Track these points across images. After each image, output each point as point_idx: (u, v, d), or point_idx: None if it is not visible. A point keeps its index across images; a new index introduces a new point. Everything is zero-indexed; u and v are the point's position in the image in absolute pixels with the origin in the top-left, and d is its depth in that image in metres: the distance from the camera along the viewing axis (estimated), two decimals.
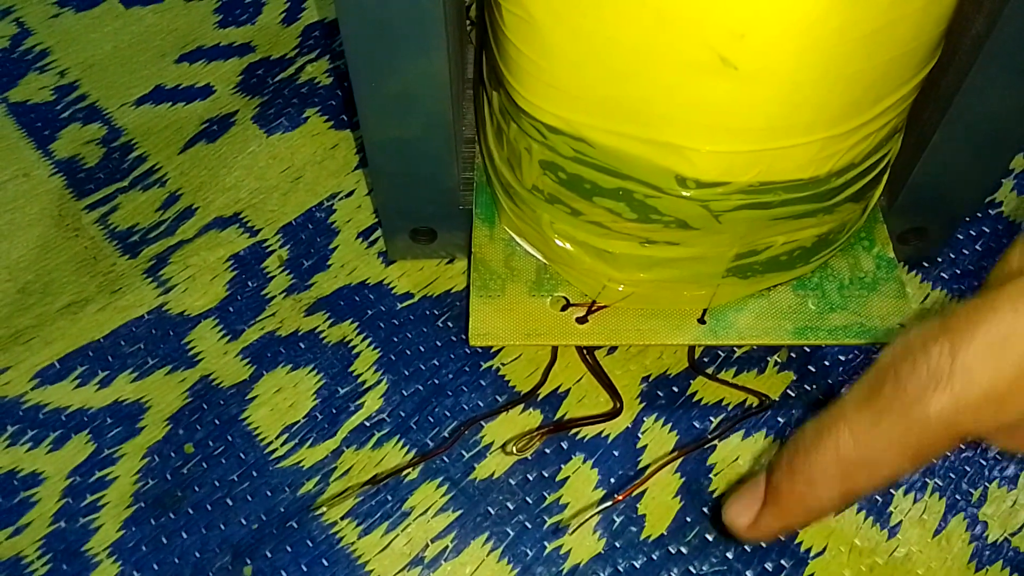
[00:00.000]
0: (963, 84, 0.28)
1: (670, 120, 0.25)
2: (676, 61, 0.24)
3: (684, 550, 0.31)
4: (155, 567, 0.31)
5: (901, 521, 0.31)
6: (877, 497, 0.32)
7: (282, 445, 0.33)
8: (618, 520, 0.31)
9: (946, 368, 0.18)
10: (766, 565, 0.30)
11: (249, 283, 0.38)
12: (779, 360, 0.35)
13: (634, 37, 0.23)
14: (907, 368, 0.19)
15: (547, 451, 0.33)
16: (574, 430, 0.33)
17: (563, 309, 0.33)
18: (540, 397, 0.34)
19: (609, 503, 0.31)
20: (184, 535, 0.31)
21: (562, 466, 0.32)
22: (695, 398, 0.34)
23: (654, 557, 0.31)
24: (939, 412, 0.18)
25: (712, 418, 0.33)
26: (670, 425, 0.33)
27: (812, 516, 0.23)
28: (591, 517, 0.31)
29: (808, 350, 0.35)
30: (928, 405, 0.18)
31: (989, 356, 0.18)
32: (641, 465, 0.32)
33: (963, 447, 0.33)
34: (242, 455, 0.33)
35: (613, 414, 0.33)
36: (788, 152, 0.26)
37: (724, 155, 0.25)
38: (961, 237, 0.38)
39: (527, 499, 0.32)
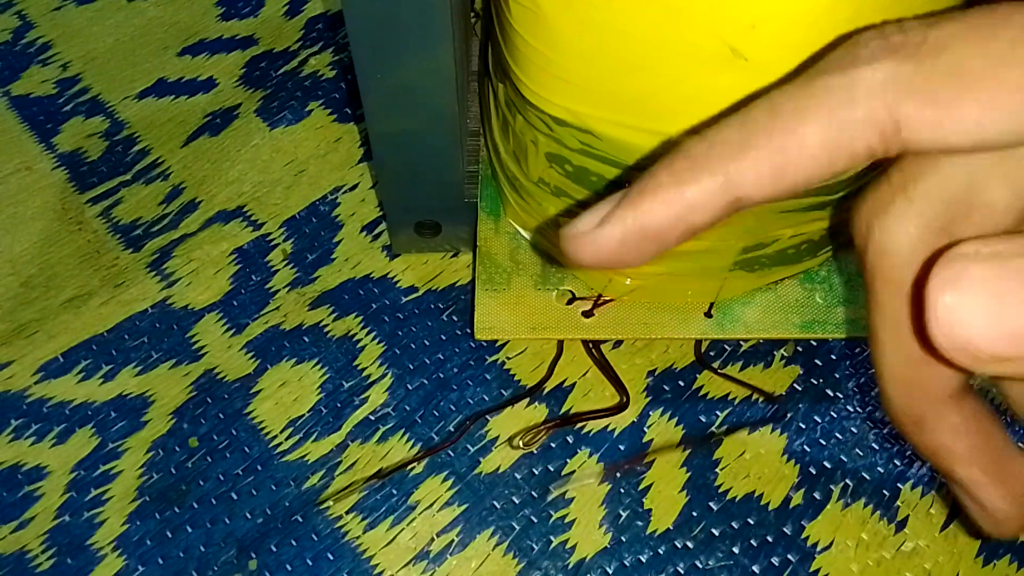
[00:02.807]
0: None
1: (678, 112, 0.25)
2: (685, 52, 0.23)
3: (690, 544, 0.31)
4: (160, 561, 0.31)
5: (908, 515, 0.31)
6: (884, 492, 0.31)
7: (287, 439, 0.33)
8: (624, 514, 0.31)
9: (919, 36, 0.14)
10: (772, 560, 0.30)
11: (253, 277, 0.37)
12: (786, 354, 0.35)
13: (643, 28, 0.23)
14: (872, 33, 0.15)
15: (553, 445, 0.33)
16: (580, 424, 0.33)
17: (569, 303, 0.33)
18: (546, 391, 0.34)
19: (595, 479, 0.31)
20: (189, 529, 0.31)
21: (568, 460, 0.32)
22: (701, 392, 0.34)
23: (660, 551, 0.30)
24: (887, 80, 0.14)
25: (718, 412, 0.33)
26: (676, 419, 0.33)
27: (673, 208, 0.17)
28: (587, 484, 0.31)
29: (815, 344, 0.35)
30: (877, 70, 0.15)
31: (966, 40, 0.14)
32: (647, 459, 0.32)
33: None
34: (247, 449, 0.33)
35: (619, 408, 0.33)
36: None
37: None
38: None
39: (533, 493, 0.32)
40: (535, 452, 0.32)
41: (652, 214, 0.17)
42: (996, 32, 0.14)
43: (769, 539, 0.31)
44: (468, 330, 0.35)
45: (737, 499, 0.31)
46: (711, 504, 0.31)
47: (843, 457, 0.32)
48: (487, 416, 0.33)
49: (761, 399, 0.33)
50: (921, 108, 0.14)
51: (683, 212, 0.17)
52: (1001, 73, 0.14)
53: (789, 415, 0.33)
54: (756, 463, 0.32)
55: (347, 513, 0.31)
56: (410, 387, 0.34)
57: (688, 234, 0.17)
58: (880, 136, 0.14)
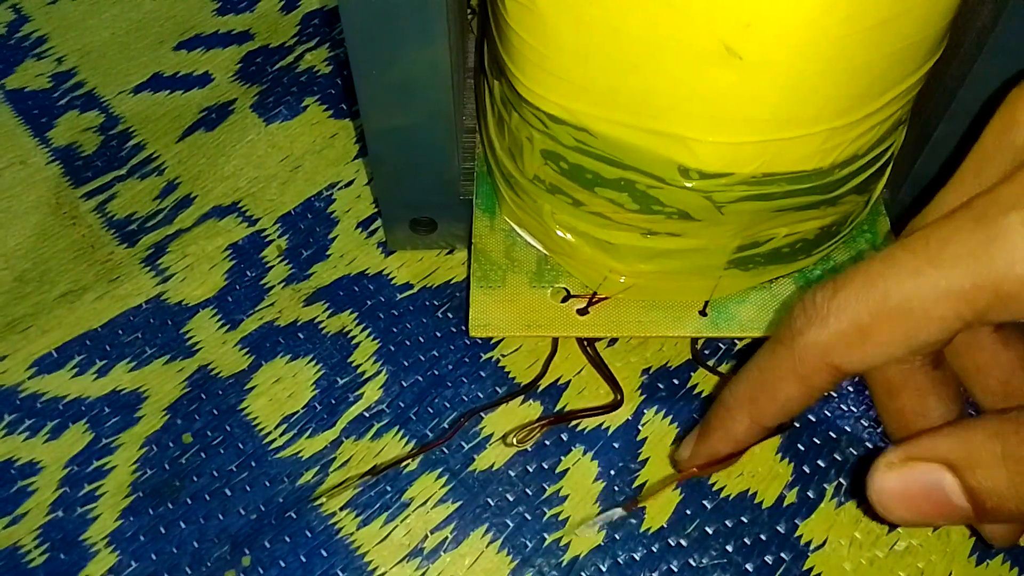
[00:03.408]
0: (968, 76, 0.28)
1: (673, 110, 0.25)
2: (681, 50, 0.23)
3: (684, 543, 0.31)
4: (153, 557, 0.31)
5: None
6: None
7: (281, 435, 0.33)
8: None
9: (824, 307, 0.21)
10: (766, 558, 0.30)
11: (248, 272, 0.37)
12: None
13: (638, 25, 0.23)
14: (798, 309, 0.22)
15: (547, 443, 0.33)
16: (574, 422, 0.33)
17: (564, 300, 0.33)
18: (540, 388, 0.34)
19: (620, 511, 0.30)
20: (182, 525, 0.31)
21: (562, 458, 0.32)
22: (696, 390, 0.34)
23: (654, 549, 0.30)
24: (814, 343, 0.21)
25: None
26: (671, 417, 0.33)
27: (730, 442, 0.26)
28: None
29: None
30: (806, 337, 0.22)
31: (859, 296, 0.21)
32: (641, 457, 0.32)
33: None
34: (241, 445, 0.33)
35: (614, 406, 0.33)
36: (792, 143, 0.25)
37: (727, 146, 0.25)
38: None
39: (527, 491, 0.32)
40: (529, 449, 0.32)
41: (717, 446, 0.26)
42: (875, 286, 0.20)
43: (763, 537, 0.31)
44: (463, 327, 0.35)
45: (731, 497, 0.31)
46: (705, 502, 0.31)
47: (837, 456, 0.32)
48: (481, 413, 0.33)
49: None
50: (842, 355, 0.21)
51: (734, 444, 0.26)
52: (880, 323, 0.20)
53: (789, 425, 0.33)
54: (750, 461, 0.32)
55: (341, 510, 0.31)
56: (404, 384, 0.34)
57: (742, 448, 0.26)
58: (829, 373, 0.22)
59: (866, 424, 0.33)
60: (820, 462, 0.32)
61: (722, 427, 0.26)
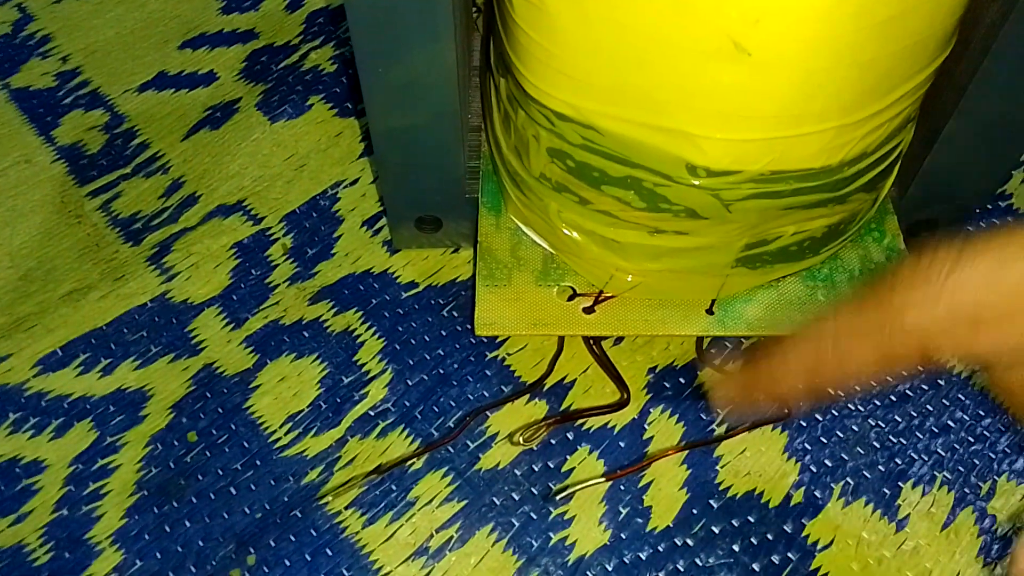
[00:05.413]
0: (976, 73, 0.28)
1: (681, 107, 0.25)
2: (689, 47, 0.23)
3: (690, 542, 0.30)
4: (158, 555, 0.30)
5: (909, 514, 0.31)
6: (885, 490, 0.31)
7: (286, 434, 0.33)
8: (624, 511, 0.31)
9: (937, 284, 0.18)
10: (773, 558, 0.30)
11: (253, 271, 0.37)
12: None
13: (646, 23, 0.23)
14: (905, 278, 0.19)
15: (553, 442, 0.33)
16: (580, 421, 0.33)
17: (570, 299, 0.32)
18: (546, 387, 0.34)
19: (601, 479, 0.31)
20: (187, 524, 0.31)
21: (568, 457, 0.32)
22: (702, 389, 0.34)
23: (660, 548, 0.30)
24: (915, 325, 0.19)
25: (719, 410, 0.33)
26: (677, 416, 0.33)
27: (772, 393, 0.23)
28: (590, 486, 0.31)
29: None
30: (907, 317, 0.19)
31: (979, 283, 0.18)
32: (648, 459, 0.32)
33: (971, 440, 0.32)
34: (246, 444, 0.33)
35: (619, 405, 0.33)
36: (800, 140, 0.25)
37: (736, 143, 0.25)
38: (971, 230, 0.38)
39: (533, 489, 0.32)
40: (535, 448, 0.32)
41: (758, 387, 0.23)
42: (1007, 271, 0.17)
43: (769, 537, 0.30)
44: (468, 326, 0.35)
45: (738, 497, 0.31)
46: (711, 502, 0.31)
47: (844, 455, 0.32)
48: (487, 412, 0.33)
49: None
50: (944, 341, 0.18)
51: (774, 396, 0.23)
52: (1010, 315, 0.17)
53: (790, 413, 0.33)
54: (757, 461, 0.32)
55: (346, 509, 0.31)
56: (410, 383, 0.34)
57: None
58: (918, 356, 0.19)
59: (873, 424, 0.33)
60: (827, 461, 0.32)
61: (769, 376, 0.23)
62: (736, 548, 0.30)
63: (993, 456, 0.32)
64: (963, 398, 0.33)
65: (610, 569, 0.30)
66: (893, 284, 0.19)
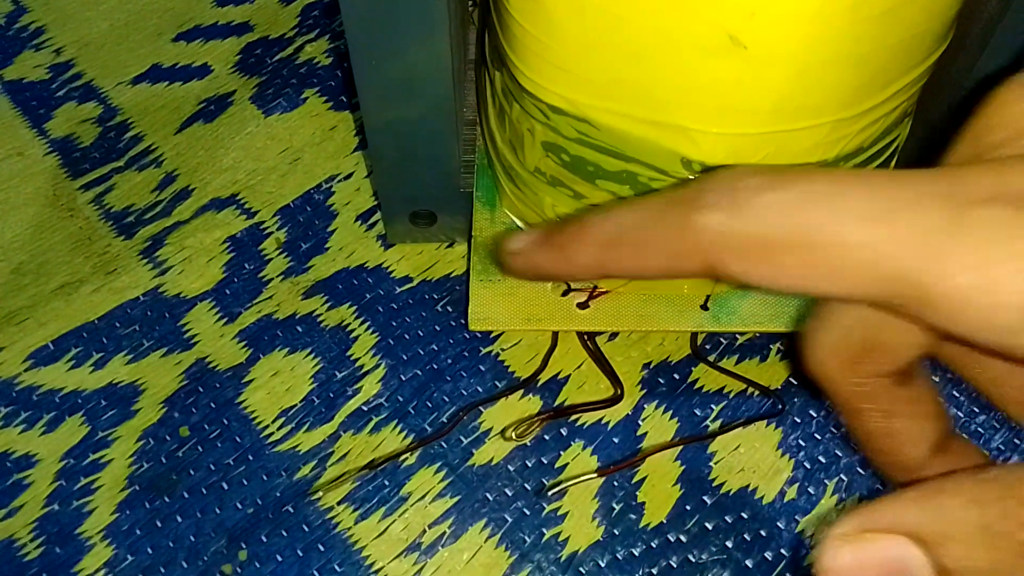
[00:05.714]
0: (974, 68, 0.28)
1: (676, 101, 0.25)
2: (684, 41, 0.23)
3: (684, 538, 0.30)
4: (149, 551, 0.30)
5: None
6: (879, 486, 0.31)
7: (279, 429, 0.33)
8: (617, 507, 0.31)
9: (746, 198, 0.17)
10: (766, 554, 0.30)
11: (246, 265, 0.37)
12: (782, 348, 0.34)
13: (642, 15, 0.23)
14: (717, 181, 0.18)
15: (546, 437, 0.32)
16: (574, 416, 0.33)
17: (564, 294, 0.32)
18: (540, 383, 0.34)
19: (594, 475, 0.31)
20: (179, 519, 0.31)
21: (561, 452, 0.32)
22: (696, 385, 0.34)
23: (653, 545, 0.30)
24: (714, 230, 0.18)
25: (713, 406, 0.33)
26: (671, 412, 0.33)
27: (561, 266, 0.22)
28: (583, 482, 0.31)
29: None
30: (708, 219, 0.18)
31: (794, 209, 0.17)
32: (641, 455, 0.32)
33: (965, 437, 0.32)
34: (238, 439, 0.33)
35: (613, 401, 0.33)
36: (796, 135, 0.25)
37: (731, 137, 0.25)
38: None
39: (526, 485, 0.31)
40: (528, 444, 0.32)
41: (544, 262, 0.23)
42: (815, 209, 0.16)
43: (763, 533, 0.30)
44: (462, 321, 0.35)
45: (731, 493, 0.31)
46: (705, 498, 0.31)
47: (838, 452, 0.32)
48: (480, 407, 0.33)
49: (756, 393, 0.33)
50: (733, 260, 0.18)
51: (566, 269, 0.22)
52: (798, 249, 0.17)
53: (784, 409, 0.33)
54: (751, 457, 0.32)
55: (338, 504, 0.31)
56: (403, 378, 0.34)
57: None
58: (705, 266, 0.18)
59: None
60: (821, 458, 0.32)
61: (562, 249, 0.22)
62: (729, 544, 0.30)
63: (987, 453, 0.32)
64: (957, 395, 0.33)
65: (603, 565, 0.30)
66: (703, 188, 0.18)
